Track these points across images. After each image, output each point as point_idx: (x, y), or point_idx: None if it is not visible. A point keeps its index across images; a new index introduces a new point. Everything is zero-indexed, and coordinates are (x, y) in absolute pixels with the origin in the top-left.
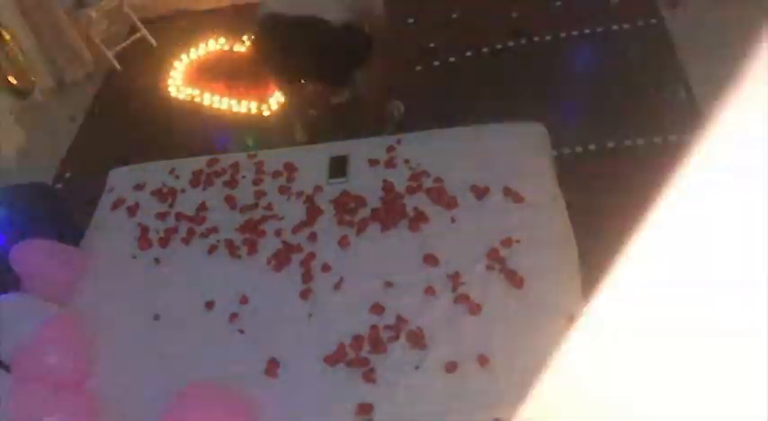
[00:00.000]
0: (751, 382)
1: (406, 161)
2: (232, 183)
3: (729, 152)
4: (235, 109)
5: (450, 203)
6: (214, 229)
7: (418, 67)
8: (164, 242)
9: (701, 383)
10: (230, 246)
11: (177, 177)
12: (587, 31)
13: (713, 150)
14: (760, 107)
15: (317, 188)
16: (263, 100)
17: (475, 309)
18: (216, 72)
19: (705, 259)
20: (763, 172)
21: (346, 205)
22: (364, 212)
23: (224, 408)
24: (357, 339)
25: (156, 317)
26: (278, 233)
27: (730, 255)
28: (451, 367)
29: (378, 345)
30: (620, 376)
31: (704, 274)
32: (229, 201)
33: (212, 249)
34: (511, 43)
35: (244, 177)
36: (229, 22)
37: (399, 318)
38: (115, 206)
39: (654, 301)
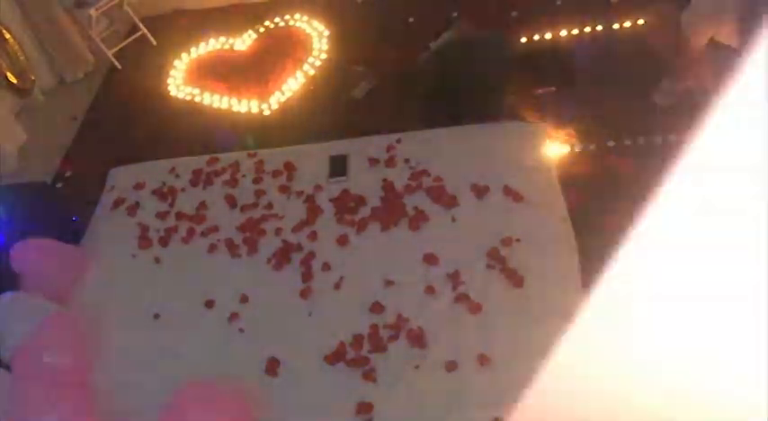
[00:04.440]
0: (749, 383)
1: (407, 160)
2: (232, 183)
3: (728, 151)
4: (235, 108)
5: (451, 202)
6: (214, 228)
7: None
8: (164, 241)
9: (700, 378)
10: (230, 245)
11: (177, 176)
12: (587, 29)
13: (712, 149)
14: (758, 106)
15: (318, 187)
16: (263, 99)
17: (475, 308)
18: (216, 71)
19: (704, 256)
20: (761, 170)
21: (346, 204)
22: (364, 211)
23: (224, 407)
24: (357, 338)
25: (156, 316)
26: (278, 232)
27: (729, 252)
28: (451, 366)
29: (378, 345)
30: (618, 372)
31: (703, 272)
32: (229, 200)
33: (212, 248)
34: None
35: (244, 176)
36: (229, 20)
37: (399, 318)
38: (115, 205)
39: (653, 299)
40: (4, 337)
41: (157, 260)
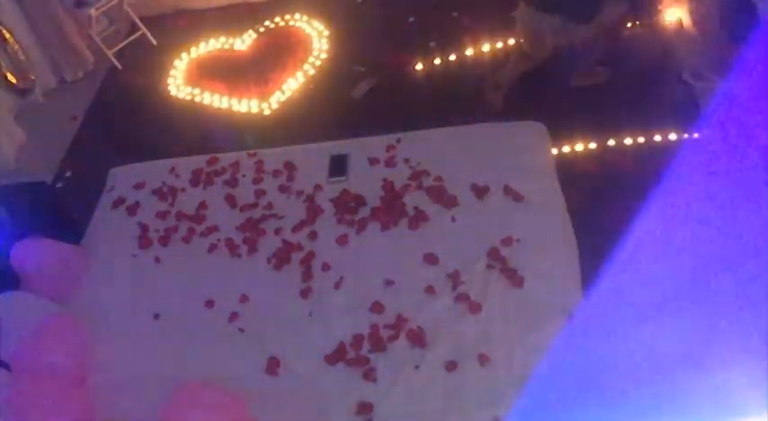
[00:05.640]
0: (748, 383)
1: (406, 160)
2: (232, 182)
3: (728, 149)
4: (235, 108)
5: (451, 202)
6: (214, 228)
7: (419, 66)
8: (164, 241)
9: (700, 377)
10: (230, 245)
11: (177, 176)
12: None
13: (712, 148)
14: (758, 105)
15: (318, 187)
16: (263, 98)
17: (475, 307)
18: (216, 71)
19: (703, 256)
20: (761, 169)
21: (346, 204)
22: (364, 211)
23: (224, 407)
24: (357, 338)
25: (156, 316)
26: (278, 232)
27: (728, 252)
28: (451, 366)
29: (378, 344)
30: (617, 372)
31: (702, 271)
32: (229, 200)
33: (212, 248)
34: (512, 41)
35: (244, 176)
36: (229, 20)
37: (399, 317)
38: (115, 205)
39: (652, 299)
40: (4, 337)
41: (157, 260)
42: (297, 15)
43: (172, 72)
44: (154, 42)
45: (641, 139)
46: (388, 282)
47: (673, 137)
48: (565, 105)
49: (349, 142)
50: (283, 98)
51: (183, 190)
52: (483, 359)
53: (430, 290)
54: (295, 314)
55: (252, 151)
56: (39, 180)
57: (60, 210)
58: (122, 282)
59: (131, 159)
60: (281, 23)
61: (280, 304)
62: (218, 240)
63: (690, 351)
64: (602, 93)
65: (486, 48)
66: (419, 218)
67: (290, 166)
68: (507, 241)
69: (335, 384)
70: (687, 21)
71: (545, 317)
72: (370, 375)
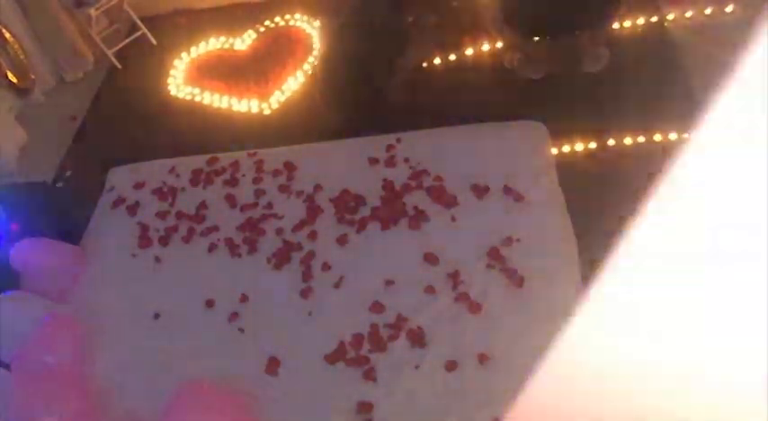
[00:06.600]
0: (749, 384)
1: (406, 160)
2: (232, 182)
3: (728, 149)
4: (235, 107)
5: (451, 202)
6: (214, 228)
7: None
8: (164, 241)
9: (700, 378)
10: (230, 244)
11: (177, 176)
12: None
13: (712, 147)
14: (758, 104)
15: (318, 187)
16: (263, 98)
17: (475, 307)
18: (216, 71)
19: (703, 256)
20: (761, 169)
21: (346, 204)
22: (364, 211)
23: (224, 406)
24: (357, 338)
25: (157, 316)
26: (278, 232)
27: (727, 253)
28: (451, 366)
29: (378, 344)
30: (617, 372)
31: (702, 272)
32: (229, 199)
33: (212, 248)
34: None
35: (244, 176)
36: (229, 20)
37: (399, 317)
38: (115, 205)
39: (652, 299)
40: (4, 337)
41: (157, 259)
42: (297, 15)
43: (172, 72)
44: (154, 42)
45: (641, 139)
46: (388, 282)
47: (673, 137)
48: (565, 105)
49: (349, 142)
50: (283, 98)
51: (183, 190)
52: (483, 359)
53: (430, 289)
54: (295, 314)
55: (252, 151)
56: (39, 180)
57: (60, 210)
58: (122, 281)
59: (131, 159)
60: (281, 23)
61: (280, 304)
62: (219, 240)
63: (691, 351)
64: (602, 92)
65: (485, 47)
66: (419, 217)
67: (290, 166)
68: (507, 241)
69: (335, 384)
70: None
71: (545, 317)
72: (370, 375)
